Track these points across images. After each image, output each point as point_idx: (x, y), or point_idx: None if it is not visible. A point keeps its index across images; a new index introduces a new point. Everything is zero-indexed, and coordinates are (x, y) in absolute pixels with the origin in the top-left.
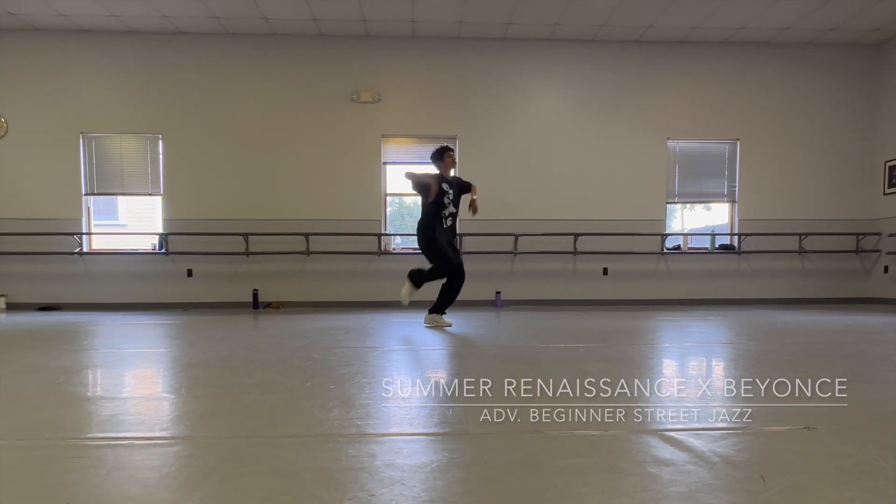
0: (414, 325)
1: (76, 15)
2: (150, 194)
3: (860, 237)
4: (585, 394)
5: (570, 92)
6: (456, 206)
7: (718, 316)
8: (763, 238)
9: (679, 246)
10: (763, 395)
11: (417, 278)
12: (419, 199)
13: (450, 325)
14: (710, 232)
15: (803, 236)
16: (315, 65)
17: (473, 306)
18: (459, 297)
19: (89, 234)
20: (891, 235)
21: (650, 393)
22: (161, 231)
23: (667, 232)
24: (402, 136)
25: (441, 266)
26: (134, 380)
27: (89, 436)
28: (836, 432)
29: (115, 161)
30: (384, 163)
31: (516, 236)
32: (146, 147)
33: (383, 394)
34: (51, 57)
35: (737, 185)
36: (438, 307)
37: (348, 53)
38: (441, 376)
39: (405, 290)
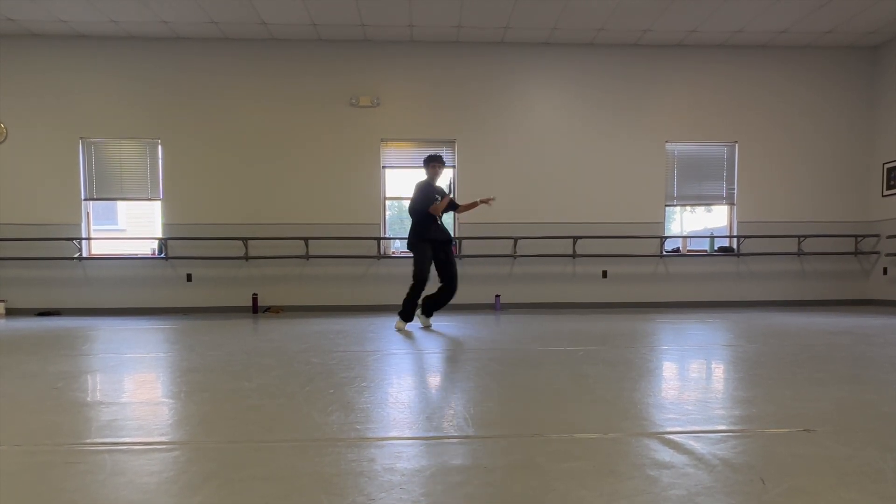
0: (413, 328)
1: (76, 21)
2: (150, 199)
3: (859, 239)
4: (585, 397)
5: (569, 95)
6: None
7: (717, 318)
8: (762, 240)
9: (678, 248)
10: (762, 397)
11: (405, 312)
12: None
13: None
14: (708, 234)
15: (802, 238)
16: (314, 69)
17: (473, 309)
18: (460, 300)
19: (89, 239)
20: (889, 237)
21: (650, 396)
22: (160, 236)
23: (666, 234)
24: (401, 139)
25: (414, 271)
26: (133, 385)
27: (88, 441)
28: (836, 434)
29: (115, 166)
30: (383, 167)
31: (515, 239)
32: (145, 152)
33: (383, 398)
34: (50, 62)
35: (735, 187)
36: (406, 314)
37: (347, 58)
38: (440, 380)
39: (398, 325)
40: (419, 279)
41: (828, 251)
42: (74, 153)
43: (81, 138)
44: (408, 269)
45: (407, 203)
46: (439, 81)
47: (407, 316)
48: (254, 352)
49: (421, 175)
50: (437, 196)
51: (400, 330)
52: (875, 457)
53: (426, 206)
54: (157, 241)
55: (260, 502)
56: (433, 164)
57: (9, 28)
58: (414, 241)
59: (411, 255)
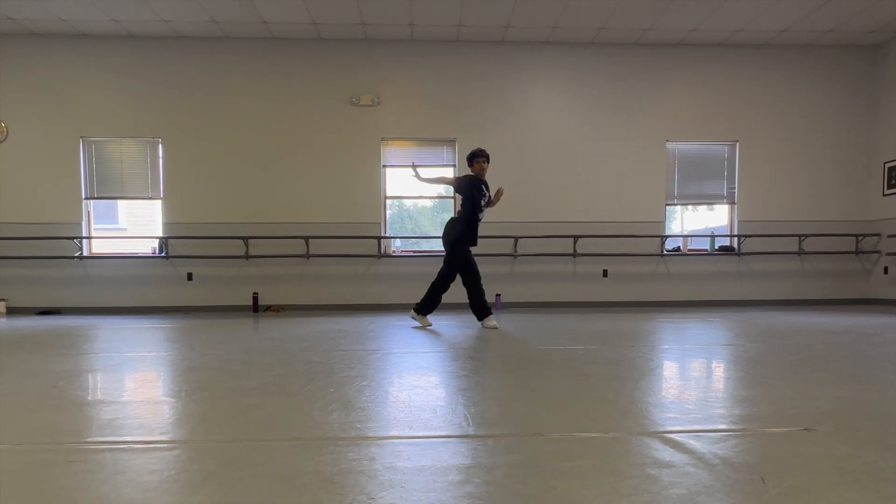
0: (413, 327)
1: (76, 19)
2: (150, 198)
3: (860, 238)
4: (585, 396)
5: (569, 94)
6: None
7: (718, 317)
8: (762, 239)
9: (679, 248)
10: (763, 396)
11: (425, 307)
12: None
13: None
14: (709, 234)
15: (803, 238)
16: (314, 68)
17: None
18: (461, 299)
19: (89, 238)
20: (890, 236)
21: (650, 395)
22: (161, 235)
23: (666, 234)
24: (402, 138)
25: (464, 276)
26: (133, 383)
27: (88, 440)
28: (836, 433)
29: (115, 165)
30: (384, 165)
31: (516, 238)
32: (146, 151)
33: (383, 396)
34: (51, 61)
35: (736, 186)
36: (426, 308)
37: (347, 57)
38: (441, 379)
39: (421, 322)
40: (471, 271)
41: (828, 250)
42: (75, 152)
43: (82, 137)
44: (408, 268)
45: (407, 202)
46: (440, 80)
47: (486, 309)
48: (254, 351)
49: (424, 174)
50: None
51: (495, 327)
52: (875, 456)
53: (476, 207)
54: (157, 240)
55: (260, 501)
56: (479, 159)
57: (9, 27)
58: (458, 240)
59: (411, 254)
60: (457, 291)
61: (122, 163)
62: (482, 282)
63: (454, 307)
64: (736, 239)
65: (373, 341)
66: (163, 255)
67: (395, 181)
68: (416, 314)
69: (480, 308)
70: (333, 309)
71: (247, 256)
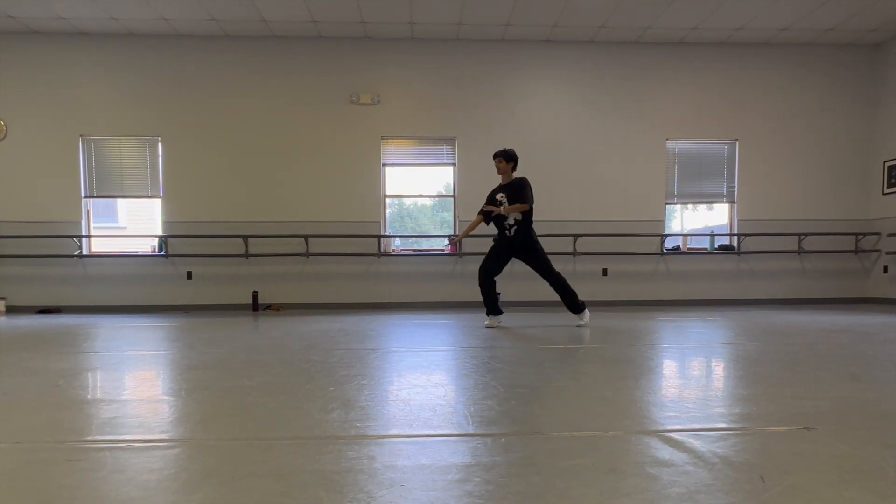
0: (413, 326)
1: (75, 18)
2: (150, 197)
3: (859, 237)
4: (585, 395)
5: (569, 93)
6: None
7: (718, 316)
8: (762, 238)
9: (678, 246)
10: (762, 395)
11: (571, 304)
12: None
13: (496, 324)
14: (709, 232)
15: (802, 236)
16: (314, 67)
17: (473, 308)
18: (460, 299)
19: (89, 236)
20: (890, 235)
21: (650, 394)
22: (160, 233)
23: (666, 233)
24: (401, 137)
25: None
26: (133, 382)
27: (88, 438)
28: (836, 432)
29: (115, 163)
30: (383, 164)
31: None
32: (145, 149)
33: (383, 395)
34: (50, 60)
35: (736, 185)
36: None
37: (347, 55)
38: (440, 378)
39: (584, 318)
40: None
41: (828, 249)
42: (74, 150)
43: (81, 136)
44: (408, 267)
45: (407, 201)
46: (440, 79)
47: (493, 310)
48: (254, 349)
49: (424, 173)
50: (495, 197)
51: (493, 326)
52: (875, 455)
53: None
54: (157, 239)
55: (260, 499)
56: (494, 159)
57: (9, 25)
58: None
59: (410, 253)
60: (454, 290)
61: (122, 161)
62: (495, 284)
63: (453, 306)
64: (736, 238)
65: (372, 340)
66: (162, 253)
67: (395, 180)
68: (576, 314)
69: (488, 306)
70: (333, 308)
71: (247, 255)
